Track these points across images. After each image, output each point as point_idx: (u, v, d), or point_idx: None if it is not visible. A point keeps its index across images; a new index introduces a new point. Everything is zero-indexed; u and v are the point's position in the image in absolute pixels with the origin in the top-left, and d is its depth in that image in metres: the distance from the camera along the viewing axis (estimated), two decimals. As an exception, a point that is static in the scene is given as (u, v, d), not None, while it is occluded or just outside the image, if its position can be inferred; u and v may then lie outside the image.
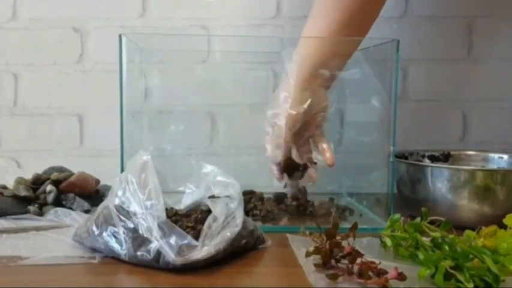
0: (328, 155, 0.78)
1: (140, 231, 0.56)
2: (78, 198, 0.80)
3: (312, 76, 0.75)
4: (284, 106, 0.75)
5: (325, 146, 0.78)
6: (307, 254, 0.57)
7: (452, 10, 1.02)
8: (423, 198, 0.76)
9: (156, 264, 0.55)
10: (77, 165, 0.87)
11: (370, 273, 0.51)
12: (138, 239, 0.56)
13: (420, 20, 1.02)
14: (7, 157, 1.01)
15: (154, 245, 0.55)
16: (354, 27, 0.74)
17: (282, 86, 0.77)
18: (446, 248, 0.54)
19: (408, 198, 0.80)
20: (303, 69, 0.75)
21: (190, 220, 0.61)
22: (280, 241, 0.65)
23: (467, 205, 0.73)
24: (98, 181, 0.86)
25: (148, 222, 0.56)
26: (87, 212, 0.78)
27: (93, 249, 0.60)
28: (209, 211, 0.59)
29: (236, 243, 0.59)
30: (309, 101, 0.75)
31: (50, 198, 0.79)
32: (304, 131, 0.79)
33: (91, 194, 0.84)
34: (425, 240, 0.57)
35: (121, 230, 0.57)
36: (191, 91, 0.91)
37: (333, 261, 0.55)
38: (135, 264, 0.56)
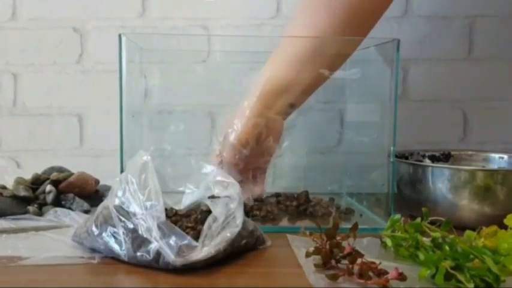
0: (257, 188, 0.74)
1: (140, 232, 0.56)
2: (77, 199, 0.80)
3: (273, 101, 0.69)
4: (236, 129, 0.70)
5: (259, 179, 0.75)
6: (307, 254, 0.57)
7: (452, 10, 1.02)
8: (423, 198, 0.76)
9: (156, 265, 0.55)
10: (77, 165, 0.87)
11: (371, 274, 0.51)
12: (138, 240, 0.56)
13: (420, 20, 1.02)
14: (7, 157, 1.01)
15: (154, 246, 0.55)
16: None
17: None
18: (447, 248, 0.54)
19: (408, 198, 0.80)
20: (265, 91, 0.69)
21: (190, 220, 0.61)
22: (280, 241, 0.65)
23: (467, 205, 0.72)
24: (97, 181, 0.86)
25: (148, 223, 0.56)
26: (86, 212, 0.78)
27: (93, 250, 0.60)
28: (209, 211, 0.59)
29: (236, 243, 0.59)
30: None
31: (50, 198, 0.79)
32: (251, 162, 0.74)
33: (91, 194, 0.84)
34: (426, 240, 0.57)
35: (121, 231, 0.57)
36: (191, 91, 0.91)
37: (333, 262, 0.55)
38: (135, 265, 0.56)
